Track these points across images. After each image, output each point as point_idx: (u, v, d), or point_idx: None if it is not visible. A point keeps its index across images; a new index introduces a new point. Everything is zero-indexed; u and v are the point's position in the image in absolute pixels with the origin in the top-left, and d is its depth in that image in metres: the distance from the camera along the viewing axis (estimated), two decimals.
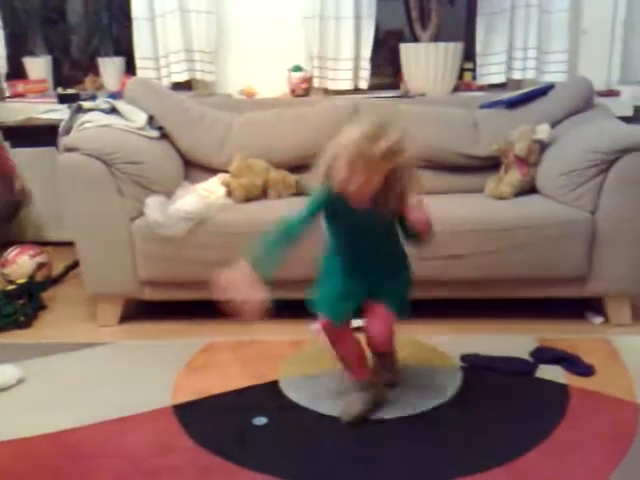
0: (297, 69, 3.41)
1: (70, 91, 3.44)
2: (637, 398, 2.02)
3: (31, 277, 2.92)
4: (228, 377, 2.21)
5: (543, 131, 2.77)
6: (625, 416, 1.94)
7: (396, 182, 1.74)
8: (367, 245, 1.87)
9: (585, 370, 2.19)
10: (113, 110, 2.84)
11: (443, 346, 2.37)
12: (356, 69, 3.46)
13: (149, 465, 1.77)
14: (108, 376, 2.25)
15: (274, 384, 2.17)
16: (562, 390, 2.09)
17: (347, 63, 3.43)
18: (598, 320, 2.61)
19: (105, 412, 2.02)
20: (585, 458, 1.75)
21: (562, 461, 1.74)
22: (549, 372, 2.19)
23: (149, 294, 2.64)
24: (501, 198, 2.71)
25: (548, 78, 3.39)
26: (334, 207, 1.80)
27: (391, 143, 1.67)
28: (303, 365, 2.30)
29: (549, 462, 1.74)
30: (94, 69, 3.56)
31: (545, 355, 2.28)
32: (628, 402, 2.01)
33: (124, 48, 3.55)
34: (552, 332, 2.47)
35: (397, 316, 1.90)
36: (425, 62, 3.34)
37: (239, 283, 1.68)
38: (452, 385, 2.12)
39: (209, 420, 1.98)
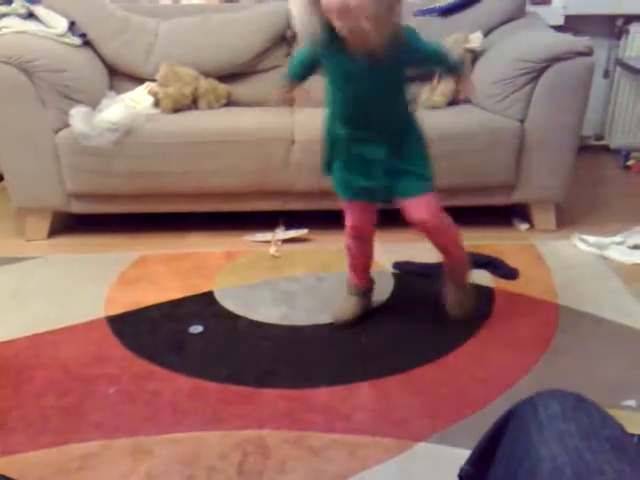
0: None
1: None
2: (558, 299, 2.13)
3: None
4: (162, 289, 2.21)
5: (475, 39, 2.76)
6: (546, 316, 2.04)
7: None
8: (371, 102, 1.68)
9: (510, 273, 2.29)
10: (31, 15, 2.67)
11: (375, 254, 2.41)
12: None
13: (84, 374, 1.78)
14: (39, 290, 2.22)
15: (209, 294, 2.18)
16: (488, 292, 2.18)
17: None
18: (524, 226, 2.71)
19: (37, 325, 2.00)
20: (508, 355, 1.85)
21: (486, 358, 1.83)
22: (476, 276, 2.26)
23: (77, 207, 2.58)
24: (434, 108, 2.71)
25: None
26: (328, 51, 1.63)
27: None
28: (237, 275, 2.31)
29: (474, 359, 1.83)
30: None
31: (473, 259, 2.34)
32: (550, 303, 2.11)
33: None
34: (480, 239, 2.55)
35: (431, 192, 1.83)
36: None
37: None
38: (384, 291, 2.19)
39: (144, 330, 1.99)
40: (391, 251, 2.41)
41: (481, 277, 2.27)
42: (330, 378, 1.75)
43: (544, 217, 2.68)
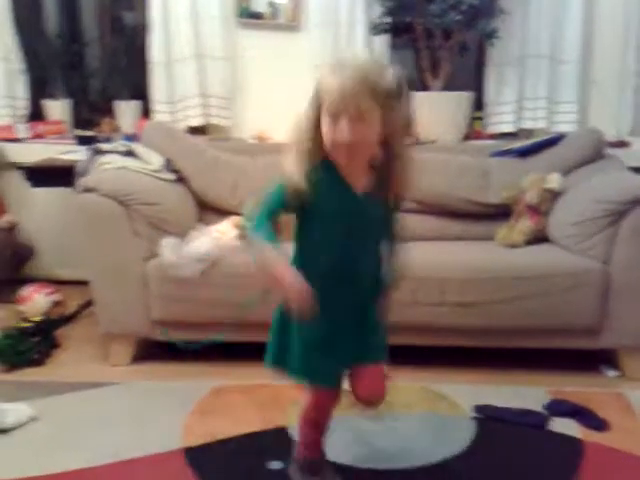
0: None
1: (88, 133, 3.50)
2: None
3: (46, 315, 2.94)
4: (238, 420, 2.19)
5: (554, 180, 2.80)
6: None
7: (396, 156, 1.48)
8: (358, 249, 1.54)
9: (599, 424, 2.16)
10: (130, 153, 2.89)
11: (455, 395, 2.35)
12: None
13: None
14: (118, 417, 2.24)
15: (285, 429, 2.14)
16: (576, 444, 2.06)
17: None
18: (612, 373, 2.59)
19: (115, 453, 2.00)
20: None
21: None
22: (563, 425, 2.17)
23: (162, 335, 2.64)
24: (513, 246, 2.72)
25: (559, 128, 3.44)
26: (319, 185, 1.47)
27: (394, 79, 1.43)
28: None
29: None
30: (111, 112, 3.62)
31: (559, 408, 2.25)
32: None
33: (141, 92, 3.61)
34: (566, 384, 2.45)
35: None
36: (436, 110, 3.38)
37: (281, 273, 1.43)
38: (465, 436, 2.10)
39: (220, 463, 1.96)
40: (471, 393, 2.34)
41: (567, 427, 2.16)
42: None
43: (634, 364, 2.55)
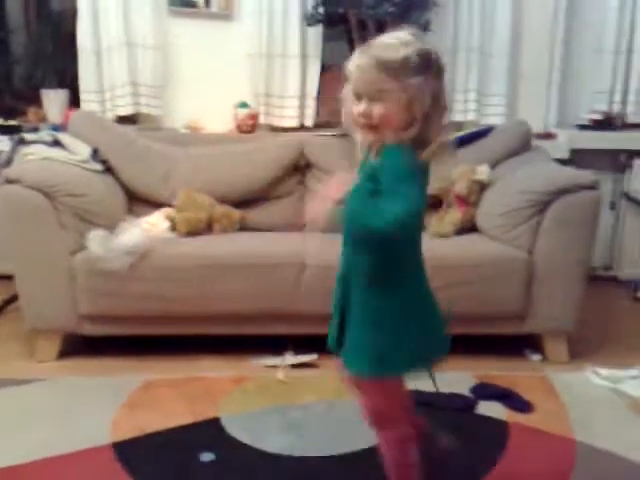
0: (243, 105, 3.44)
1: (12, 122, 3.38)
2: (574, 434, 2.08)
3: None
4: (169, 414, 2.17)
5: (482, 172, 2.86)
6: (563, 452, 1.99)
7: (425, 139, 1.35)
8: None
9: (524, 407, 2.24)
10: (56, 143, 2.81)
11: None
12: (302, 107, 3.51)
13: None
14: (45, 413, 2.19)
15: (216, 421, 2.14)
16: (502, 426, 2.13)
17: (293, 101, 3.47)
18: (536, 357, 2.68)
19: (41, 450, 1.96)
20: None
21: None
22: (489, 408, 2.24)
23: (89, 329, 2.58)
24: (442, 236, 2.76)
25: (488, 120, 3.51)
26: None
27: (420, 50, 1.32)
28: (245, 401, 2.28)
29: None
30: (37, 101, 3.50)
31: (485, 392, 2.32)
32: (565, 438, 2.06)
33: (68, 80, 3.50)
34: (491, 369, 2.52)
35: None
36: None
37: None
38: None
39: (150, 457, 1.94)
40: None
41: (493, 409, 2.23)
42: None
43: (556, 348, 2.66)
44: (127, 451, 1.97)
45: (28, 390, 2.35)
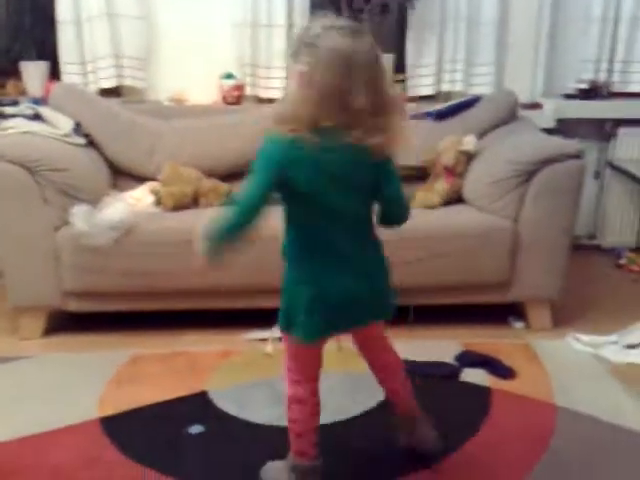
0: (229, 76, 3.40)
1: None
2: (555, 400, 2.11)
3: None
4: (157, 389, 2.19)
5: (469, 142, 2.85)
6: (544, 417, 2.02)
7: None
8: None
9: (506, 373, 2.27)
10: (37, 116, 2.77)
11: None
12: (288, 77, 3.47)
13: (74, 478, 1.74)
14: (31, 390, 2.20)
15: (203, 394, 2.16)
16: (485, 393, 2.16)
17: (279, 71, 3.44)
18: (519, 325, 2.71)
19: (29, 427, 1.97)
20: (505, 457, 1.82)
21: (484, 461, 1.81)
22: (473, 375, 2.27)
23: (74, 305, 2.58)
24: (429, 207, 2.76)
25: (475, 90, 3.48)
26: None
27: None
28: (233, 375, 2.30)
29: (471, 462, 1.80)
30: (16, 73, 3.45)
31: (469, 359, 2.36)
32: (547, 403, 2.10)
33: (48, 52, 3.45)
34: (476, 337, 2.56)
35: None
36: None
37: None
38: (380, 390, 2.15)
39: (138, 431, 1.96)
40: None
41: (477, 376, 2.26)
42: None
43: (539, 315, 2.69)
44: (116, 425, 1.99)
45: (14, 367, 2.36)
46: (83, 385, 2.22)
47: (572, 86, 3.53)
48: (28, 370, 2.34)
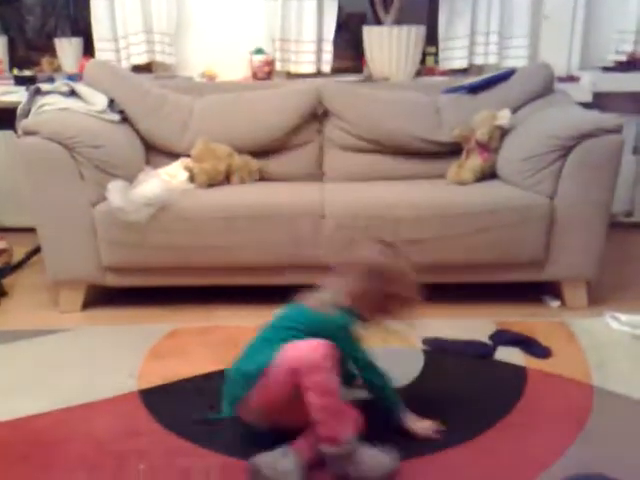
0: (259, 52, 3.39)
1: (27, 73, 3.36)
2: (592, 380, 2.09)
3: None
4: (194, 362, 2.21)
5: (504, 117, 2.81)
6: (580, 397, 2.00)
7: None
8: None
9: (542, 352, 2.25)
10: (72, 93, 2.78)
11: (405, 329, 2.40)
12: (318, 52, 3.45)
13: (115, 449, 1.77)
14: (72, 362, 2.24)
15: None
16: (520, 372, 2.15)
17: (309, 46, 3.42)
18: (555, 304, 2.68)
19: (69, 398, 2.01)
20: (541, 437, 1.81)
21: (519, 440, 1.79)
22: (508, 354, 2.25)
23: (111, 280, 2.62)
24: (462, 183, 2.74)
25: (509, 63, 3.44)
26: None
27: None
28: None
29: (507, 440, 1.79)
30: (51, 50, 3.47)
31: (504, 338, 2.34)
32: (583, 383, 2.07)
33: (82, 28, 3.46)
34: (511, 315, 2.53)
35: None
36: (388, 45, 3.34)
37: None
38: (415, 367, 2.17)
39: (176, 404, 1.98)
40: (420, 326, 2.39)
41: (513, 356, 2.24)
42: None
43: (575, 294, 2.65)
44: (153, 398, 2.01)
45: (54, 340, 2.40)
46: (122, 357, 2.25)
47: (610, 58, 3.46)
48: (68, 342, 2.39)
